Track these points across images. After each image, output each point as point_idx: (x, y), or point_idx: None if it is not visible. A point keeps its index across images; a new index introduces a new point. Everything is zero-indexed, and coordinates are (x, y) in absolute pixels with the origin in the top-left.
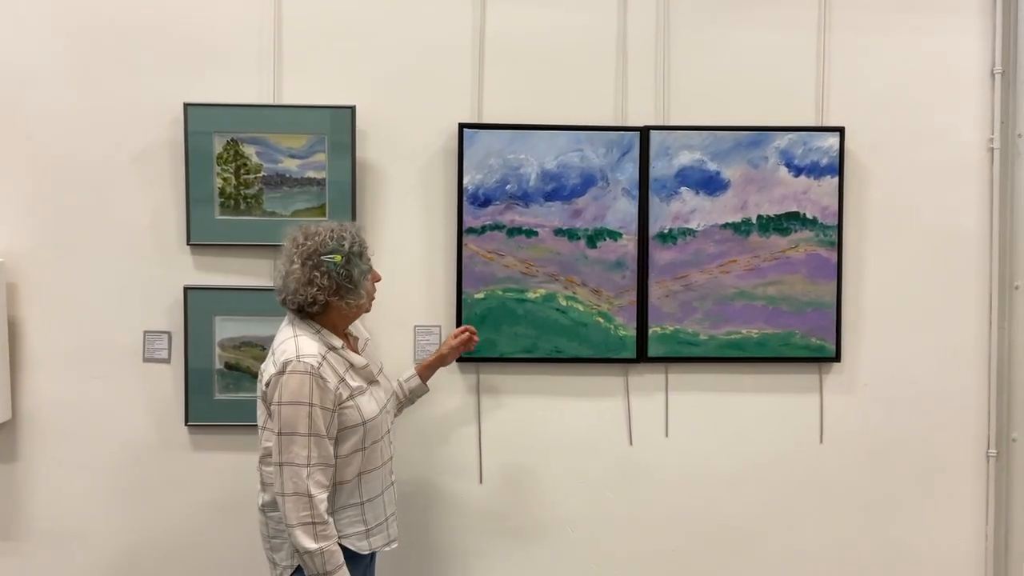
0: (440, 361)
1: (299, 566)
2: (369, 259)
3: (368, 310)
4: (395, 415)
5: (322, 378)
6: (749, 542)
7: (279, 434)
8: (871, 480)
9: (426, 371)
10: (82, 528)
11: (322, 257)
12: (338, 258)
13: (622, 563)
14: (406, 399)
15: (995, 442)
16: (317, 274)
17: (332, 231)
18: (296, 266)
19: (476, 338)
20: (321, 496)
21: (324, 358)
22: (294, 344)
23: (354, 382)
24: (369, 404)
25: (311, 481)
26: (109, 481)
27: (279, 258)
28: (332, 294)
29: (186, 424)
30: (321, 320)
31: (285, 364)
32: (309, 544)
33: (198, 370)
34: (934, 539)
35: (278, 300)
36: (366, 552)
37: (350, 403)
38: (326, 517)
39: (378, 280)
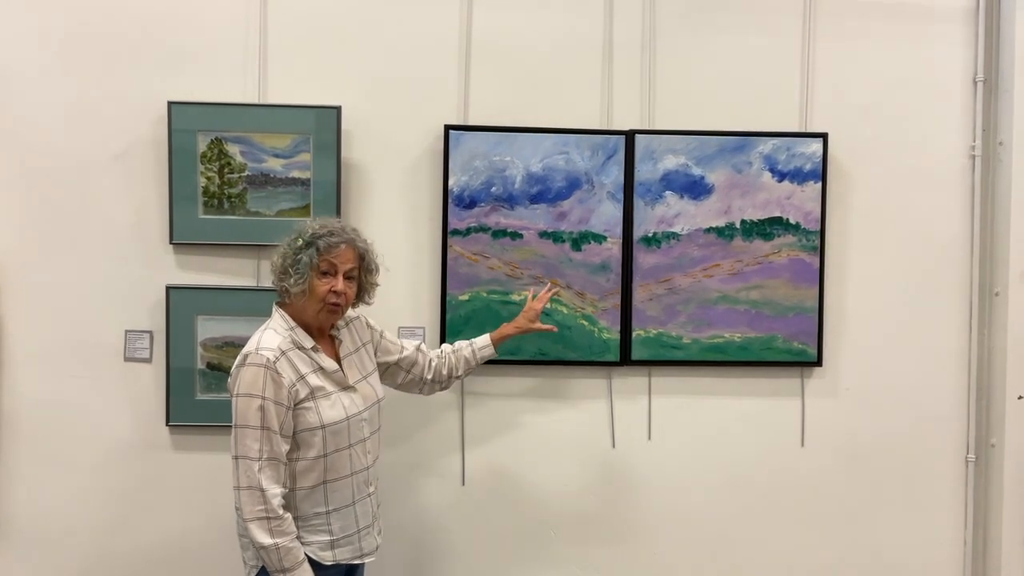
0: (522, 332)
1: (264, 565)
2: (332, 264)
3: (322, 320)
4: (462, 377)
5: (277, 372)
6: (730, 545)
7: (234, 426)
8: (851, 484)
9: (501, 340)
10: (62, 527)
11: (289, 238)
12: (299, 241)
13: (604, 565)
14: (476, 363)
15: (974, 447)
16: (278, 252)
17: (322, 225)
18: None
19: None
20: (274, 491)
21: (284, 353)
22: (258, 336)
23: (317, 383)
24: (332, 409)
25: (263, 475)
26: (90, 481)
27: None
28: (279, 275)
29: (167, 424)
30: (292, 314)
31: (245, 355)
32: (264, 539)
33: (180, 370)
34: (913, 543)
35: None
36: (330, 563)
37: (308, 404)
38: (280, 512)
39: (335, 289)
